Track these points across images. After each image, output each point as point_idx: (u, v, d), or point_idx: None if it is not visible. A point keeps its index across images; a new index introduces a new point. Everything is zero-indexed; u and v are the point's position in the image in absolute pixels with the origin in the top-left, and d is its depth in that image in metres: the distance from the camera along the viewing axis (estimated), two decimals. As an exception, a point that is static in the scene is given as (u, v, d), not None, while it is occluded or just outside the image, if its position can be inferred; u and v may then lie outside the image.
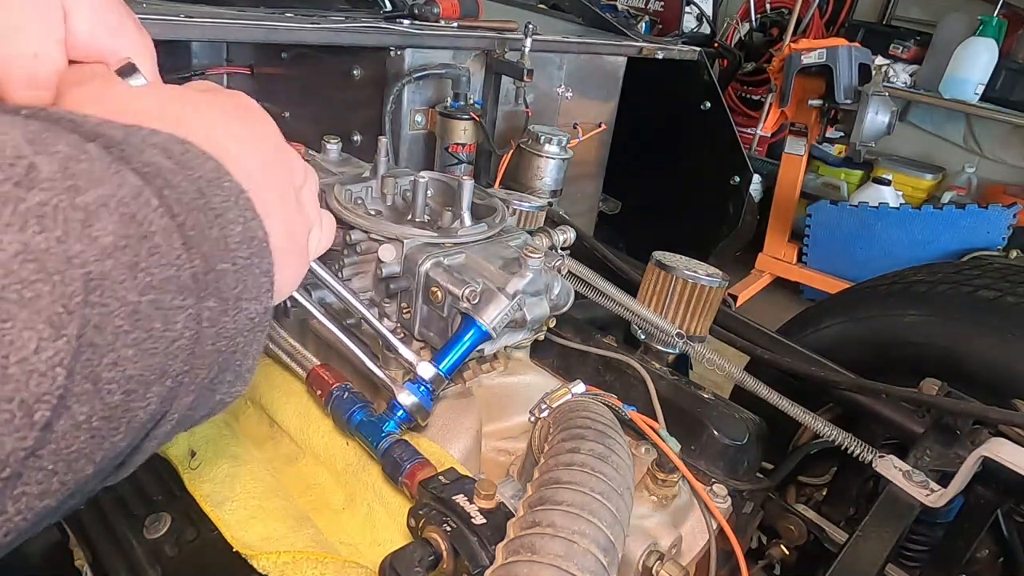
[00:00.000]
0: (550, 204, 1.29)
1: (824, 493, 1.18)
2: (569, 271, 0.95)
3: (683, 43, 2.19)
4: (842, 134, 3.04)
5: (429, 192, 0.93)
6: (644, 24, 4.63)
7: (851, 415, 1.11)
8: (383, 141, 0.92)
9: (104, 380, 0.25)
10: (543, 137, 1.48)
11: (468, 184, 0.85)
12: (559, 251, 1.00)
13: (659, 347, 1.00)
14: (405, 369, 0.79)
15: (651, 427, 0.78)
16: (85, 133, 0.27)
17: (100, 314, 0.25)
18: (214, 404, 0.34)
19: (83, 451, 0.25)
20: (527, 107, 1.65)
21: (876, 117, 2.81)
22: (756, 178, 3.54)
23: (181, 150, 0.31)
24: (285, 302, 0.83)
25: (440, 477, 0.64)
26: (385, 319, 0.87)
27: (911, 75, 4.41)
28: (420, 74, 1.50)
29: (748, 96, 4.96)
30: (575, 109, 1.93)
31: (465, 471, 0.69)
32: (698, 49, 2.17)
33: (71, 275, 0.23)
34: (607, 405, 0.75)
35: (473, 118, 1.48)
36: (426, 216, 0.91)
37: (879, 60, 4.09)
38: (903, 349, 1.22)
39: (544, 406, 0.73)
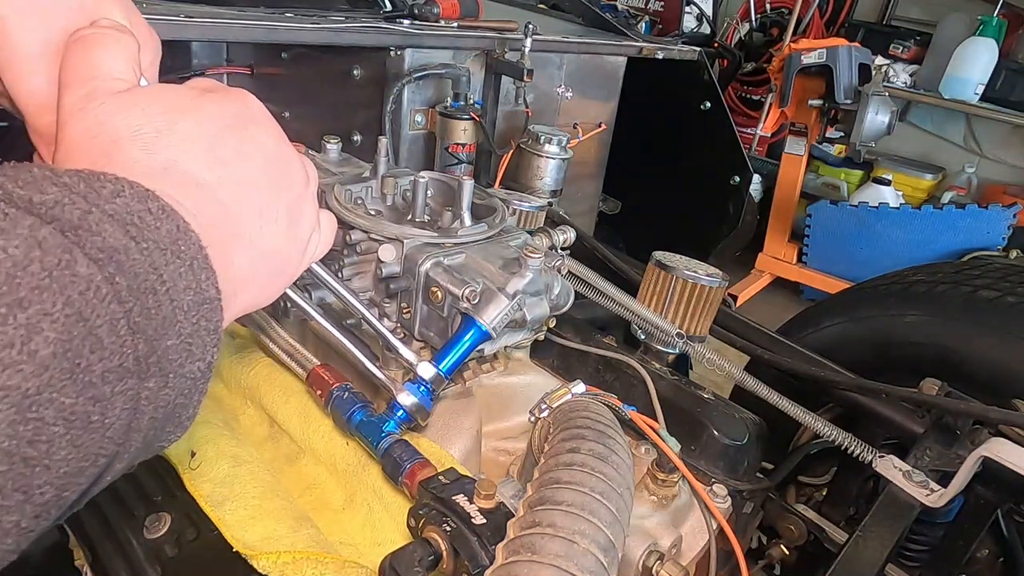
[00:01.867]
0: (550, 204, 1.29)
1: (824, 493, 1.18)
2: (569, 271, 0.95)
3: (683, 43, 2.19)
4: (842, 134, 3.04)
5: (429, 192, 0.93)
6: (644, 24, 4.63)
7: (851, 415, 1.11)
8: (383, 141, 0.92)
9: (36, 486, 0.26)
10: (543, 137, 1.48)
11: (468, 184, 0.85)
12: (559, 251, 1.00)
13: (659, 347, 1.00)
14: (405, 369, 0.79)
15: (651, 427, 0.78)
16: (43, 215, 0.27)
17: (34, 428, 0.25)
18: (152, 452, 0.35)
19: (8, 548, 0.26)
20: (527, 107, 1.65)
21: (876, 117, 2.81)
22: (756, 178, 3.54)
23: (140, 211, 0.31)
24: (285, 302, 0.83)
25: (440, 477, 0.64)
26: (385, 319, 0.87)
27: (911, 75, 4.41)
28: (420, 74, 1.50)
29: (748, 96, 4.96)
30: (575, 109, 1.92)
31: (465, 471, 0.69)
32: (698, 49, 2.17)
33: (0, 406, 0.24)
34: (607, 405, 0.75)
35: (473, 118, 1.48)
36: (426, 216, 0.91)
37: (879, 60, 4.09)
38: (903, 349, 1.21)
39: (544, 406, 0.73)
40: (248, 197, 0.39)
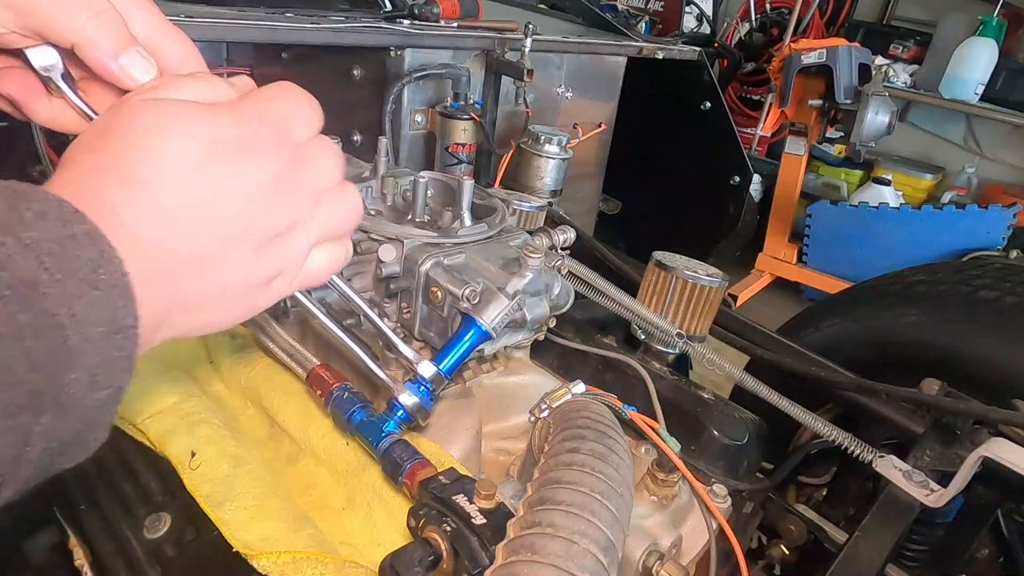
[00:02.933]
0: (550, 204, 1.29)
1: (824, 493, 1.18)
2: (569, 271, 0.95)
3: (683, 43, 2.19)
4: (842, 134, 3.04)
5: (429, 192, 0.93)
6: (644, 24, 4.63)
7: (851, 415, 1.11)
8: (383, 141, 0.92)
9: None
10: (543, 137, 1.48)
11: (468, 184, 0.85)
12: (559, 251, 1.00)
13: (659, 347, 1.00)
14: (405, 369, 0.79)
15: (651, 427, 0.78)
16: None
17: None
18: (51, 474, 0.33)
19: None
20: (527, 107, 1.65)
21: (876, 117, 2.81)
22: (756, 178, 3.54)
23: (62, 236, 0.30)
24: (285, 301, 0.83)
25: (440, 477, 0.64)
26: (385, 319, 0.87)
27: (911, 75, 4.41)
28: (420, 74, 1.50)
29: (748, 96, 4.96)
30: (575, 109, 1.93)
31: (465, 471, 0.69)
32: (698, 49, 2.17)
33: None
34: (607, 405, 0.75)
35: (473, 118, 1.48)
36: (426, 216, 0.91)
37: (879, 60, 4.10)
38: (903, 349, 1.21)
39: (544, 406, 0.73)
40: (219, 223, 0.38)
